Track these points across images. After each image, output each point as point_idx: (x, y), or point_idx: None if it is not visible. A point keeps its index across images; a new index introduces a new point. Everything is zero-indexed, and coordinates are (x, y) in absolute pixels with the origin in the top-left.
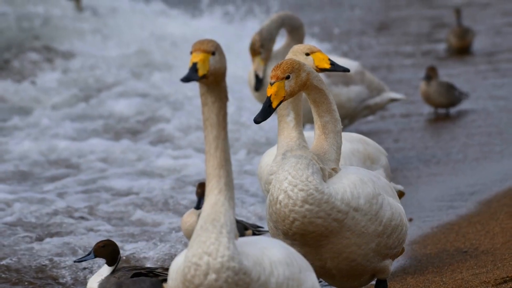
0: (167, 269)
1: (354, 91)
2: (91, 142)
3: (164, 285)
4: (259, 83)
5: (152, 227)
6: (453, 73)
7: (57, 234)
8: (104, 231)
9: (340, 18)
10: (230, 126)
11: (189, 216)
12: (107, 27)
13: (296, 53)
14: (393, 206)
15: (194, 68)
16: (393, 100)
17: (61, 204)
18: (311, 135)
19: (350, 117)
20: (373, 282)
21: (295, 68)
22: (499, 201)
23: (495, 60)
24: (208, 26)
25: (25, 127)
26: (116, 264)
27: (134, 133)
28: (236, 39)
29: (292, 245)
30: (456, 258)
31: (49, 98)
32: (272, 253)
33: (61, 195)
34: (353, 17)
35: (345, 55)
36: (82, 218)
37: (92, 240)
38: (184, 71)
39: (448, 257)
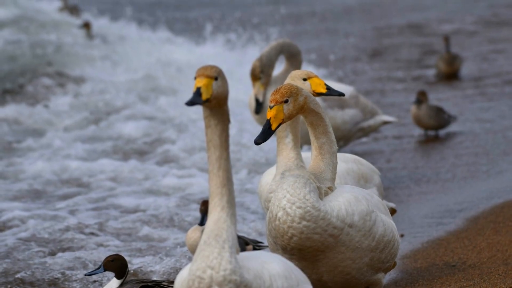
0: (172, 282)
1: (349, 114)
2: (101, 162)
3: None
4: (259, 107)
5: (158, 243)
6: (442, 97)
7: (69, 249)
8: (113, 246)
9: (335, 46)
10: (232, 147)
11: (193, 232)
12: (116, 54)
13: (294, 78)
14: (386, 222)
15: (198, 92)
16: (385, 122)
17: (73, 221)
18: (308, 155)
19: (345, 138)
20: None
21: (293, 93)
22: (486, 217)
23: (482, 85)
24: (211, 53)
25: (39, 148)
26: (124, 277)
27: (141, 154)
28: (237, 65)
29: (290, 259)
30: (445, 272)
31: (61, 120)
32: (271, 267)
33: (72, 212)
34: (348, 45)
35: (340, 80)
36: (92, 234)
37: (102, 255)
38: (189, 95)
39: (438, 271)
